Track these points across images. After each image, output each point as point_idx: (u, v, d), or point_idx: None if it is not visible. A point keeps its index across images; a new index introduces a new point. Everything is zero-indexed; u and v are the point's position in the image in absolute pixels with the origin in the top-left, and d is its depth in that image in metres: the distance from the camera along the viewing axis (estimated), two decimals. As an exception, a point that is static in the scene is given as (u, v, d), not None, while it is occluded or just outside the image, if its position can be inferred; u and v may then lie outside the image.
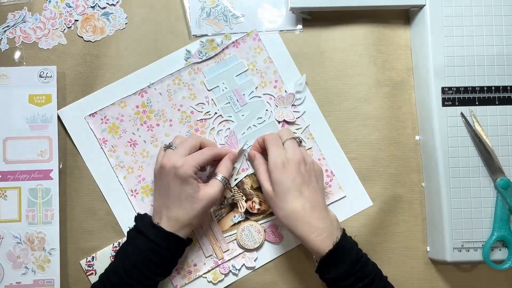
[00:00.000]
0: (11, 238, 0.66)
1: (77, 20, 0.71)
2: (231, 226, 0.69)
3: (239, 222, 0.69)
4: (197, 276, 0.69)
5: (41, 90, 0.68)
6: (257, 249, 0.69)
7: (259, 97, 0.71)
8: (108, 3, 0.71)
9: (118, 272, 0.61)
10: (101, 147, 0.70)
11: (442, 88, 0.67)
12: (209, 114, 0.71)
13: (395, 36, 0.72)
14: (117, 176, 0.70)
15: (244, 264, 0.69)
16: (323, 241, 0.59)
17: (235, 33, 0.71)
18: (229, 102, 0.71)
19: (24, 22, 0.70)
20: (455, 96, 0.67)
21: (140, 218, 0.64)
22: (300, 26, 0.72)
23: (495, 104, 0.67)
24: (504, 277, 0.70)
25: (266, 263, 0.69)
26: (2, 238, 0.66)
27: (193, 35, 0.71)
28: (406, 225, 0.70)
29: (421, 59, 0.69)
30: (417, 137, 0.71)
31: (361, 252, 0.61)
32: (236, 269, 0.69)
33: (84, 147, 0.70)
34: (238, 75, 0.71)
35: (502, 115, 0.67)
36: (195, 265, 0.69)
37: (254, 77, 0.71)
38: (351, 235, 0.63)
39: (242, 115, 0.71)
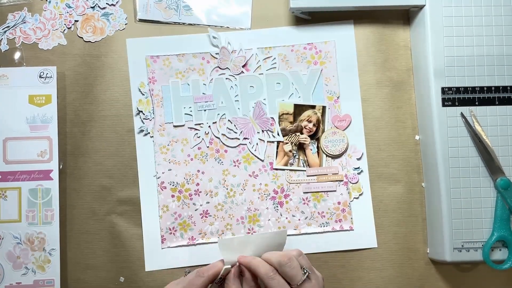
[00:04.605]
0: (11, 239, 0.66)
1: (77, 21, 0.71)
2: None
3: None
4: None
5: (41, 91, 0.68)
6: None
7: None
8: (108, 4, 0.71)
9: None
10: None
11: (442, 88, 0.67)
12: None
13: (395, 36, 0.72)
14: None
15: None
16: None
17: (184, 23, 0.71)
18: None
19: (24, 22, 0.70)
20: (455, 96, 0.67)
21: None
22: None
23: (495, 104, 0.67)
24: (504, 277, 0.70)
25: None
26: (2, 238, 0.66)
27: (139, 20, 0.69)
28: (406, 225, 0.70)
29: (421, 59, 0.69)
30: (417, 137, 0.71)
31: None
32: None
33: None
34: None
35: (502, 115, 0.67)
36: None
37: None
38: None
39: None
